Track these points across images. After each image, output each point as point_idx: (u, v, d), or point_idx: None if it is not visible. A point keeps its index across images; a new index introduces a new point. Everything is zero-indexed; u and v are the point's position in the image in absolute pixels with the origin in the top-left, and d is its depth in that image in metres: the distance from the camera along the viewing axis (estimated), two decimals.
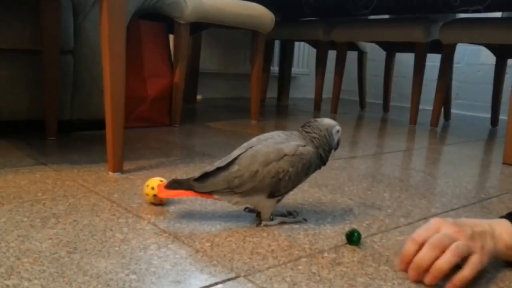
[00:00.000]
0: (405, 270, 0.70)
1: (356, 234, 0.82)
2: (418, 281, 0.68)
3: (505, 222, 0.75)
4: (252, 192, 0.84)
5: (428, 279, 0.67)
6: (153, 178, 0.96)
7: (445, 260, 0.65)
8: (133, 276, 0.65)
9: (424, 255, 0.67)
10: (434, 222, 0.72)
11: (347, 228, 0.89)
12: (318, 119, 0.91)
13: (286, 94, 3.65)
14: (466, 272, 0.66)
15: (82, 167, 1.22)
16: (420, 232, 0.71)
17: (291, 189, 0.87)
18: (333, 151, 0.92)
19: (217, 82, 3.48)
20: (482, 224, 0.73)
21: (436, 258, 0.66)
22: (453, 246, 0.66)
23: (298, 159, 0.84)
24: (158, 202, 0.96)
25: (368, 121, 2.90)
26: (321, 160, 0.89)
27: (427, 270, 0.67)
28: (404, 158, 1.71)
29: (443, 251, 0.66)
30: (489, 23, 2.36)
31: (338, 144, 0.93)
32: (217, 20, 2.10)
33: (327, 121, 0.91)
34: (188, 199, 1.00)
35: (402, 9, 2.67)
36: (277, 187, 0.84)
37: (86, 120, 1.69)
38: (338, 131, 0.91)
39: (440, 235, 0.68)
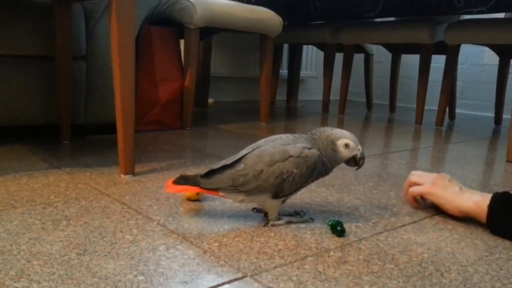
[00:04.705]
0: None
1: (339, 226, 0.87)
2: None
3: (488, 194, 0.94)
4: (256, 191, 0.85)
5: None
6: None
7: (403, 195, 1.09)
8: (141, 277, 0.66)
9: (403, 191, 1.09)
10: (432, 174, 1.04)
11: (331, 219, 0.90)
12: (332, 129, 0.89)
13: (295, 97, 3.67)
14: (413, 188, 1.04)
15: (95, 170, 1.24)
16: (416, 173, 1.07)
17: (295, 190, 0.88)
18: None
19: (228, 86, 3.50)
20: (463, 186, 1.00)
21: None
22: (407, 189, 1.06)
23: (303, 160, 0.85)
24: (196, 198, 1.01)
25: (374, 121, 2.91)
26: (324, 168, 0.88)
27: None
28: (410, 157, 1.72)
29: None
30: (492, 24, 2.36)
31: (356, 161, 0.89)
32: (226, 25, 2.12)
33: (337, 132, 0.88)
34: (198, 201, 1.01)
35: (407, 11, 2.67)
36: (281, 188, 0.85)
37: (99, 124, 1.71)
38: (347, 145, 0.87)
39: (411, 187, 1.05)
